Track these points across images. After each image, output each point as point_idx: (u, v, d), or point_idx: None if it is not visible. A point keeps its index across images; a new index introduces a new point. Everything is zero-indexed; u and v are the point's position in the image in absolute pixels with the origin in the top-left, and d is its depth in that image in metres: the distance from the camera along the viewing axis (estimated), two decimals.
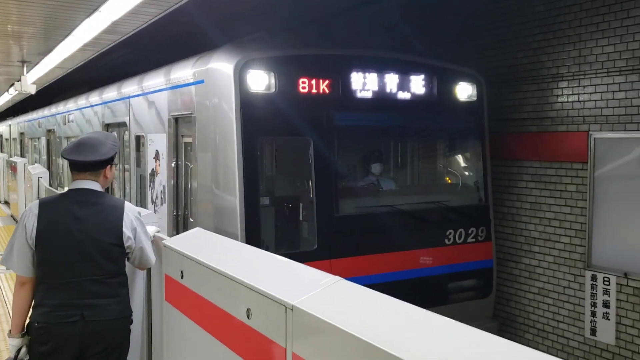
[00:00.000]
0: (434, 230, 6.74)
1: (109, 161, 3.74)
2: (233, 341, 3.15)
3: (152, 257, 3.88)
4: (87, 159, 3.61)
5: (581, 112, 6.89)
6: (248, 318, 2.94)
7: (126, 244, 3.62)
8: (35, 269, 3.51)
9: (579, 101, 6.92)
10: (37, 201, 3.68)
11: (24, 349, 3.53)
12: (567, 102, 7.05)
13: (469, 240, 6.94)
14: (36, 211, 3.52)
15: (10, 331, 3.55)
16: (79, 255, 3.45)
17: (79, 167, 3.65)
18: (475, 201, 7.28)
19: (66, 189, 3.85)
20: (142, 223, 3.81)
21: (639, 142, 6.34)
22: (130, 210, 3.71)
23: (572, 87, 6.98)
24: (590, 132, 6.76)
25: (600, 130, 6.67)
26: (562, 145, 7.09)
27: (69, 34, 8.32)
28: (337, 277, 2.79)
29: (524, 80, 7.54)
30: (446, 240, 6.77)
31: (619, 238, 6.51)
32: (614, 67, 6.54)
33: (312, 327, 2.49)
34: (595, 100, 6.75)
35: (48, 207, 3.56)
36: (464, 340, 2.14)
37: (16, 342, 3.54)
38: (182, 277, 3.78)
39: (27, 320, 3.56)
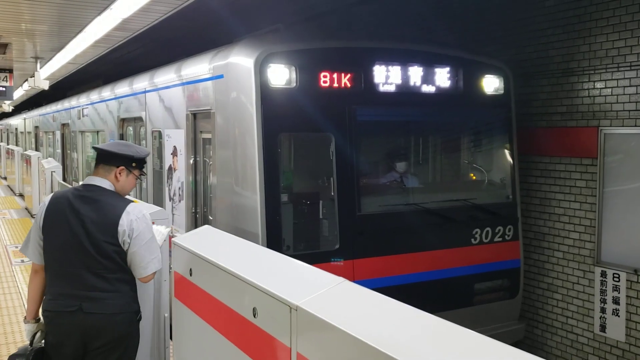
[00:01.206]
0: (460, 229, 6.50)
1: (121, 160, 3.76)
2: (240, 339, 3.20)
3: (149, 269, 3.58)
4: (102, 148, 3.78)
5: (591, 108, 6.85)
6: (254, 317, 2.99)
7: (122, 242, 3.56)
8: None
9: (588, 96, 6.88)
10: (52, 193, 3.81)
11: (39, 334, 3.66)
12: (577, 97, 7.01)
13: (496, 239, 6.72)
14: (47, 203, 3.65)
15: (25, 317, 3.71)
16: (76, 247, 3.51)
17: (96, 159, 3.79)
18: (502, 199, 7.05)
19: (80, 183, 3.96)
20: (148, 228, 3.64)
21: None
22: (133, 211, 3.59)
23: (582, 82, 6.95)
24: (600, 128, 6.73)
25: (610, 126, 6.63)
26: (572, 140, 7.06)
27: (80, 31, 8.43)
28: (341, 279, 2.82)
29: (534, 75, 7.51)
30: (472, 240, 6.56)
31: (629, 234, 6.48)
32: (625, 62, 6.50)
33: (316, 327, 2.53)
34: (605, 96, 6.71)
35: (56, 200, 3.69)
36: (466, 344, 2.16)
37: (30, 327, 3.69)
38: (190, 275, 3.84)
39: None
